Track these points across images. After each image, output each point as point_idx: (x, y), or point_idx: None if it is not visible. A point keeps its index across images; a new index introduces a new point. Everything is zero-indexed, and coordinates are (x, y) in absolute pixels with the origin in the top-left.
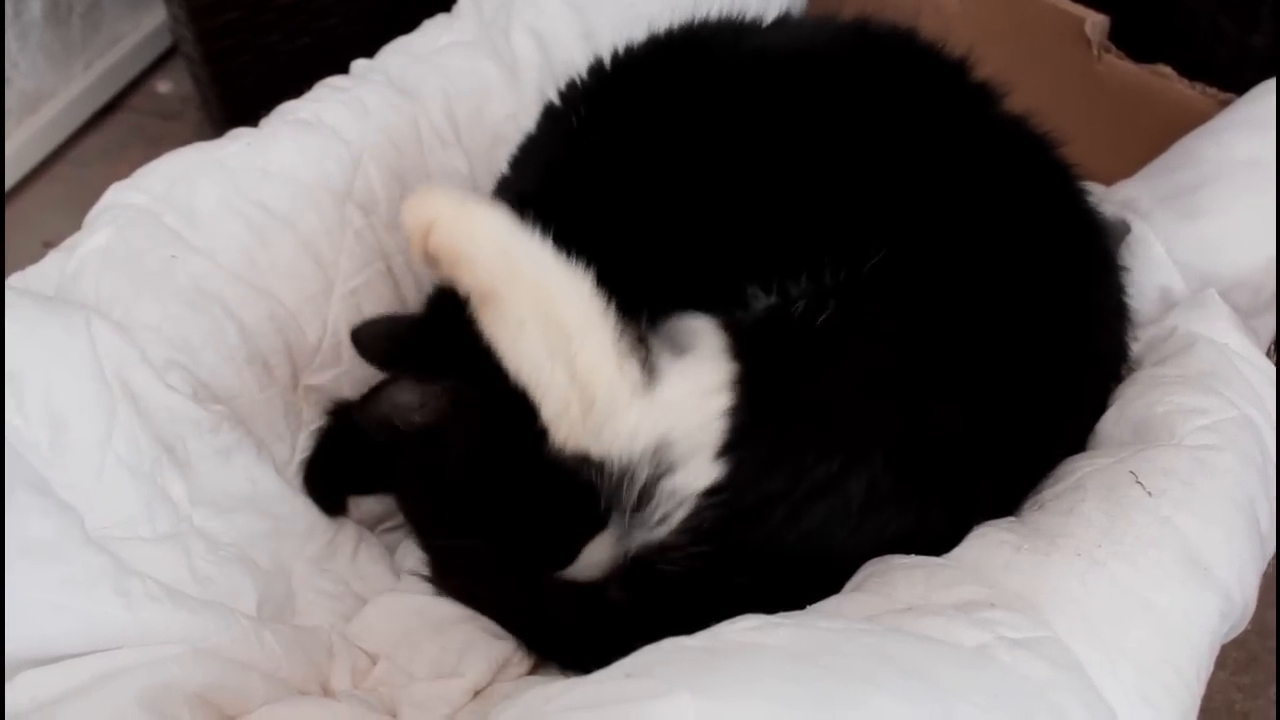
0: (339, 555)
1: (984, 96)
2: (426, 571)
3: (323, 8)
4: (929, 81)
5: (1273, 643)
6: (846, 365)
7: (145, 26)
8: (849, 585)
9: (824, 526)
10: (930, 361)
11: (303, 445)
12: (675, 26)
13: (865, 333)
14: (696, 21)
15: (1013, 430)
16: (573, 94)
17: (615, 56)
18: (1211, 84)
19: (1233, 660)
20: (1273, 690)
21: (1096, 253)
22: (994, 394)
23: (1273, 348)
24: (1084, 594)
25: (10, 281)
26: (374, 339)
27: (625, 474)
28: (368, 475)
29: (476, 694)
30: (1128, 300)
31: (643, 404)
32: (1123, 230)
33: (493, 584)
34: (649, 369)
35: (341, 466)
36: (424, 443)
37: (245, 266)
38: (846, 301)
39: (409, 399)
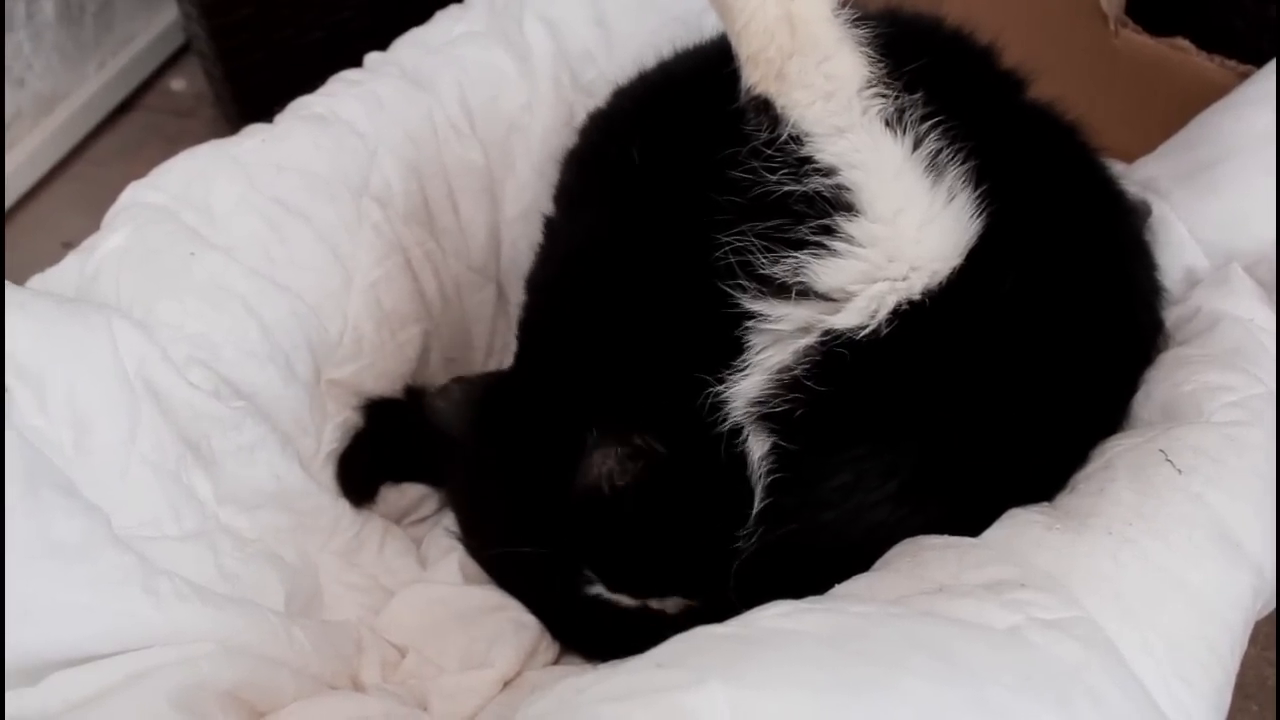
0: (365, 549)
1: (1012, 83)
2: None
3: (335, 1)
4: (959, 69)
5: None
6: (886, 358)
7: (158, 25)
8: (879, 563)
9: (861, 509)
10: (968, 348)
11: (328, 439)
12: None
13: (908, 328)
14: None
15: (1052, 416)
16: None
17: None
18: (1230, 56)
19: (1264, 635)
20: None
21: (1129, 233)
22: (1034, 382)
23: None
24: (1116, 572)
25: (30, 283)
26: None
27: (793, 143)
28: (401, 465)
29: (506, 684)
30: (1160, 278)
31: (847, 62)
32: (1145, 211)
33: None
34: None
35: (376, 457)
36: (623, 503)
37: (264, 262)
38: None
39: (610, 464)
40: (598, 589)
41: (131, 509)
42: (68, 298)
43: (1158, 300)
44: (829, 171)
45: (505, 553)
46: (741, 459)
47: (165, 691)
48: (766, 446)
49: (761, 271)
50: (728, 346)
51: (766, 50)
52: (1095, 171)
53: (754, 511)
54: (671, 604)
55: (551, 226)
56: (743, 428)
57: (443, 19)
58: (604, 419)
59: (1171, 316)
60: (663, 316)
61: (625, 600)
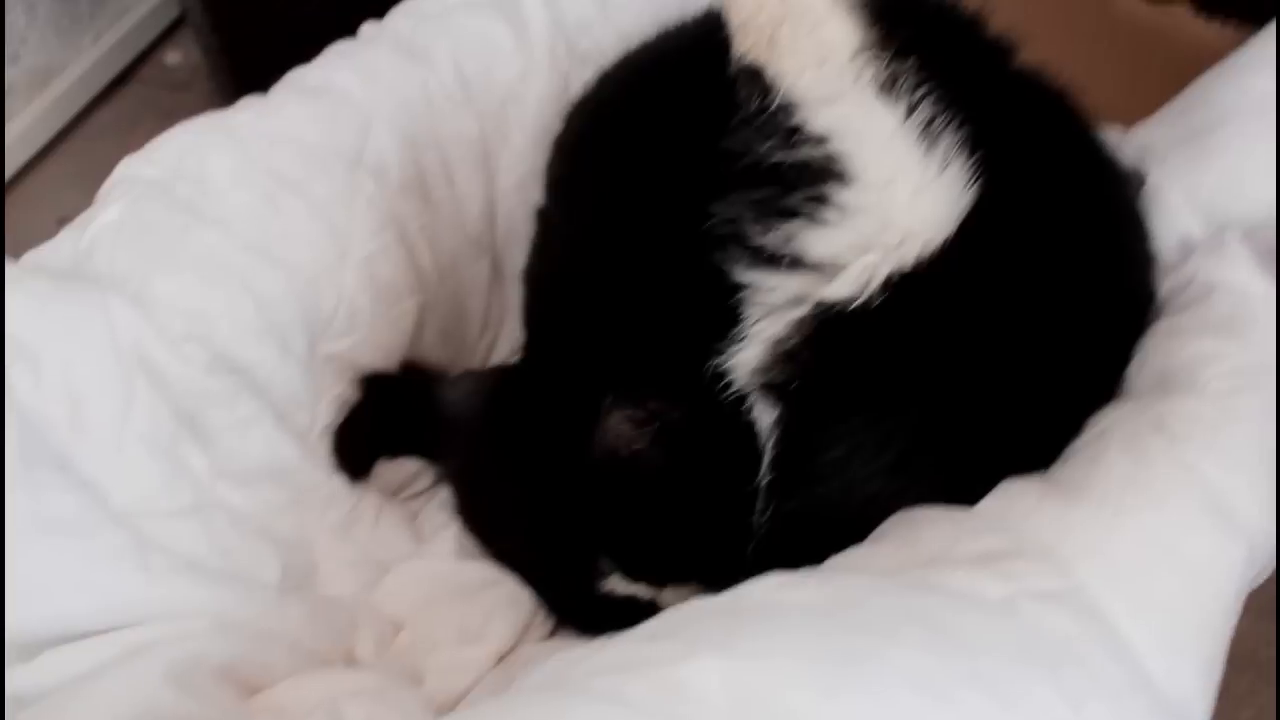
0: (361, 524)
1: (1001, 49)
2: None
3: None
4: (948, 36)
5: None
6: (879, 328)
7: None
8: (874, 535)
9: (855, 482)
10: (961, 319)
11: (323, 413)
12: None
13: (900, 298)
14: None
15: (1048, 386)
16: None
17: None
18: (1227, 20)
19: (1257, 607)
20: None
21: (1121, 202)
22: (1028, 352)
23: None
24: (1109, 543)
25: (25, 259)
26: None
27: (784, 112)
28: (398, 439)
29: (501, 659)
30: (1153, 248)
31: (838, 28)
32: (1139, 180)
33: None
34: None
35: (372, 431)
36: (641, 467)
37: (259, 236)
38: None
39: (625, 428)
40: (613, 583)
41: (126, 485)
42: (62, 273)
43: (1150, 270)
44: (820, 140)
45: (518, 545)
46: (752, 428)
47: (159, 667)
48: (773, 417)
49: (753, 241)
50: (728, 317)
51: (757, 17)
52: (1086, 139)
53: (762, 485)
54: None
55: (544, 217)
56: (749, 396)
57: None
58: (617, 391)
59: (1166, 285)
60: (665, 291)
61: (641, 592)
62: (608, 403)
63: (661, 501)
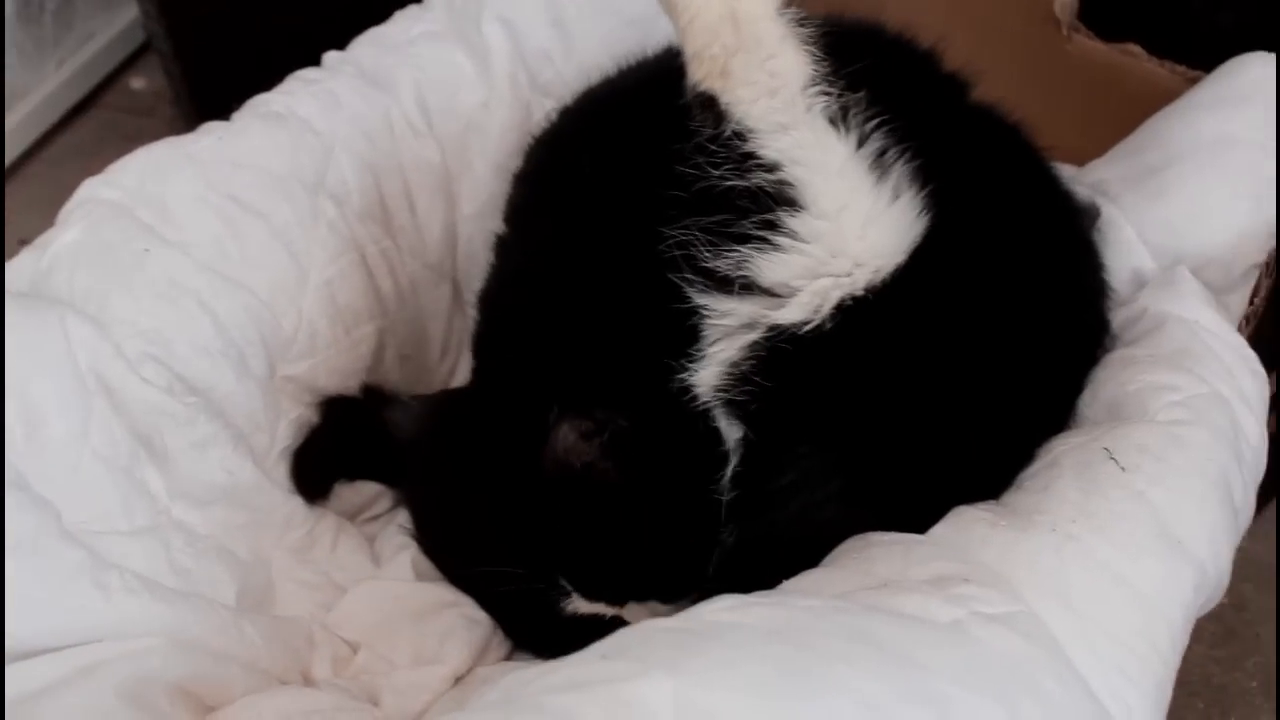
0: (318, 545)
1: (955, 85)
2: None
3: (294, 1)
4: (902, 70)
5: (1248, 616)
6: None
7: (117, 23)
8: (827, 560)
9: (808, 507)
10: (913, 346)
11: (282, 435)
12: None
13: (851, 325)
14: None
15: (999, 415)
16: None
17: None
18: (1180, 63)
19: (1210, 634)
20: (1249, 663)
21: (1075, 233)
22: (980, 380)
23: (1244, 323)
24: (1059, 568)
25: None
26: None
27: (737, 139)
28: (357, 463)
29: (457, 680)
30: (1106, 278)
31: (790, 60)
32: (1094, 213)
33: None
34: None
35: (331, 454)
36: (593, 479)
37: (218, 259)
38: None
39: (573, 439)
40: (573, 604)
41: (83, 504)
42: (21, 293)
43: (1104, 300)
44: (772, 167)
45: (476, 570)
46: (712, 439)
47: (114, 684)
48: (738, 435)
49: (705, 265)
50: (687, 334)
51: (711, 47)
52: (1040, 171)
53: (724, 503)
54: (650, 613)
55: (502, 243)
56: (712, 410)
57: (401, 19)
58: (563, 405)
59: (1118, 317)
60: (617, 309)
61: (601, 610)
62: (554, 415)
63: (615, 515)
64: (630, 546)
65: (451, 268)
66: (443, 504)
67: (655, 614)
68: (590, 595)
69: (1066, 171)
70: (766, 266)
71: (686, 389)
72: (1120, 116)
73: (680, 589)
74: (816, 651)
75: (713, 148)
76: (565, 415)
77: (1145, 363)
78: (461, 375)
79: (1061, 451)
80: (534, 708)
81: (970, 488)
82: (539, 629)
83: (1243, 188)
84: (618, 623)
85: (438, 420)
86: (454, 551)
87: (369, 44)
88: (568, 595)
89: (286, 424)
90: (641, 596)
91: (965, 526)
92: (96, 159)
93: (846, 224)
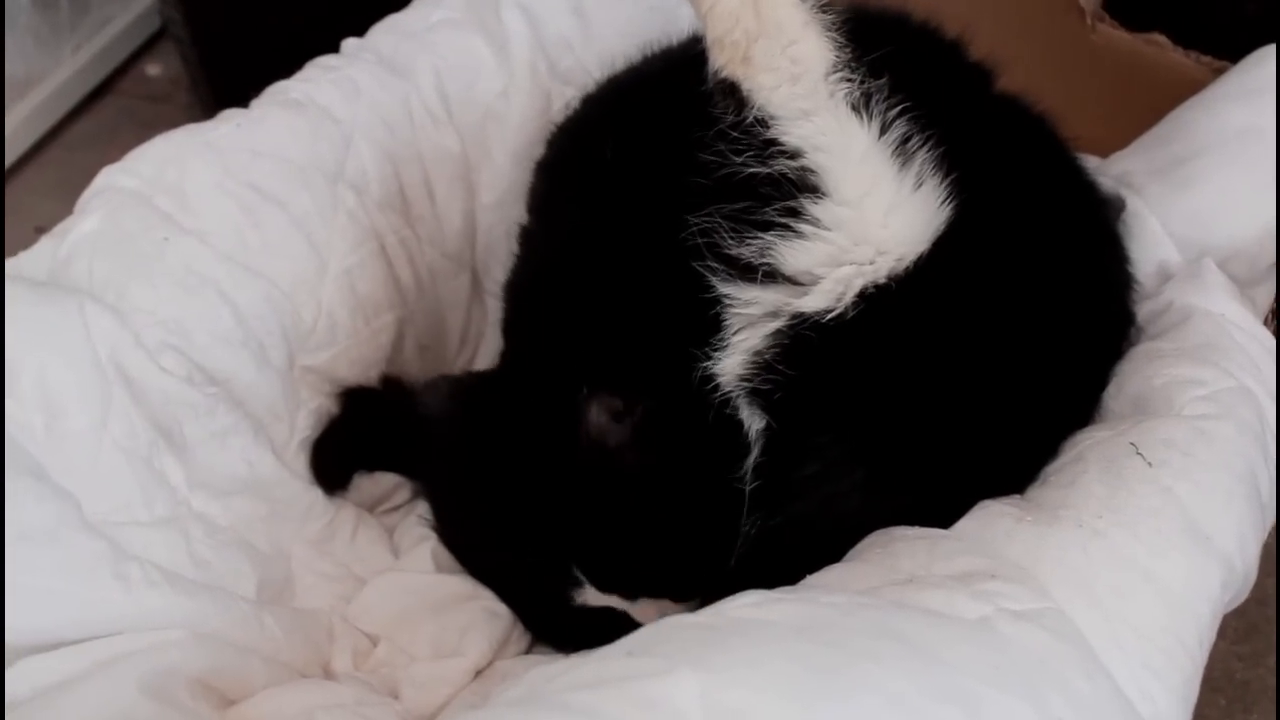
0: (338, 537)
1: (980, 74)
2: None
3: None
4: (927, 58)
5: (1272, 611)
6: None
7: (134, 9)
8: (850, 554)
9: (831, 499)
10: (936, 336)
11: (301, 426)
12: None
13: (874, 313)
14: None
15: (1022, 407)
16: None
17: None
18: (1206, 52)
19: (1233, 629)
20: (1272, 659)
21: (1100, 225)
22: (1003, 372)
23: (1271, 316)
24: (1085, 564)
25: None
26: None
27: (759, 125)
28: (376, 454)
29: (477, 673)
30: (1132, 270)
31: (812, 46)
32: (1119, 205)
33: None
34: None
35: (350, 445)
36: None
37: (238, 248)
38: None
39: (603, 420)
40: (584, 596)
41: (102, 494)
42: (40, 282)
43: (1129, 293)
44: (794, 154)
45: (493, 556)
46: (737, 429)
47: (135, 678)
48: (761, 424)
49: (728, 252)
50: (709, 325)
51: (733, 33)
52: (1066, 162)
53: (747, 493)
54: (661, 610)
55: (527, 233)
56: (735, 398)
57: (421, 5)
58: (592, 385)
59: (1144, 310)
60: (645, 296)
61: (613, 604)
62: (583, 395)
63: (639, 502)
64: (650, 535)
65: (470, 257)
66: (463, 484)
67: (664, 613)
68: (604, 587)
69: (1091, 162)
70: (789, 254)
71: (710, 378)
72: (1145, 107)
73: (694, 586)
74: (844, 649)
75: (735, 134)
76: (594, 394)
77: (1171, 356)
78: (480, 365)
79: (1087, 446)
80: (559, 705)
81: (994, 481)
82: (549, 619)
83: (1269, 180)
84: (627, 619)
85: (465, 399)
86: (470, 534)
87: (388, 31)
88: (580, 586)
89: (306, 415)
90: (655, 591)
91: (990, 521)
92: (112, 146)
93: (869, 211)
